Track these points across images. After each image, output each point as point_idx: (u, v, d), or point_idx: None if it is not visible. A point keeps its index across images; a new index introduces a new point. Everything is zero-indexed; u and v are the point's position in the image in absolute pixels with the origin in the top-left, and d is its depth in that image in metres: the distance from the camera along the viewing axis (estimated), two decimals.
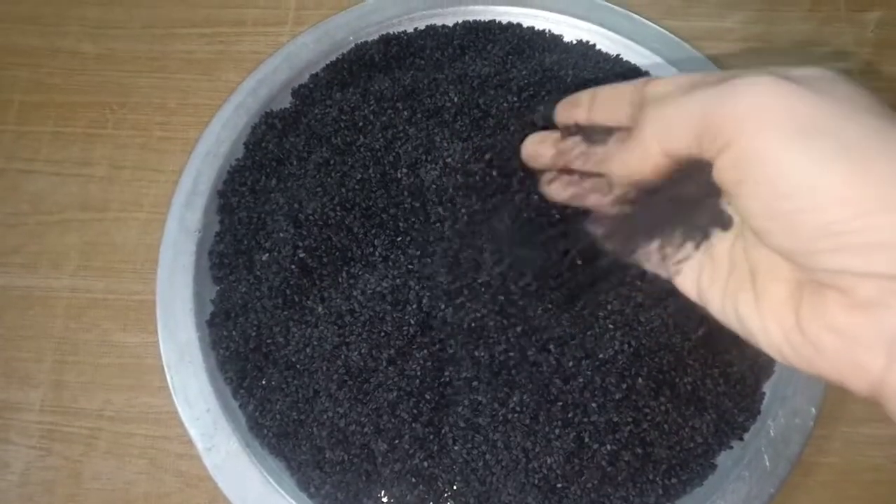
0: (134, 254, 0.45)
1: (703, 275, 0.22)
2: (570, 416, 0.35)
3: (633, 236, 0.25)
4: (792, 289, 0.20)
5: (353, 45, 0.48)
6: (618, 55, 0.47)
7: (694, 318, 0.36)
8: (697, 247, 0.23)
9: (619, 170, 0.23)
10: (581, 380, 0.36)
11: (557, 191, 0.31)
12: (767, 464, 0.36)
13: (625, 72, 0.47)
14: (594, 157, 0.27)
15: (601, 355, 0.36)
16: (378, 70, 0.47)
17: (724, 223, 0.22)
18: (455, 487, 0.36)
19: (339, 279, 0.39)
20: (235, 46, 0.51)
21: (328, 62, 0.47)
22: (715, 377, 0.37)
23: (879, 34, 0.51)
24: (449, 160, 0.41)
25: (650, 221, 0.24)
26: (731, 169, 0.19)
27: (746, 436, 0.37)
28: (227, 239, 0.42)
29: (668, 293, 0.28)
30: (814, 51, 0.50)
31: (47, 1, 0.53)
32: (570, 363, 0.36)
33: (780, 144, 0.18)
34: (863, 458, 0.39)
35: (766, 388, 0.38)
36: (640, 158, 0.22)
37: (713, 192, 0.21)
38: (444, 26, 0.49)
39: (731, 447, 0.37)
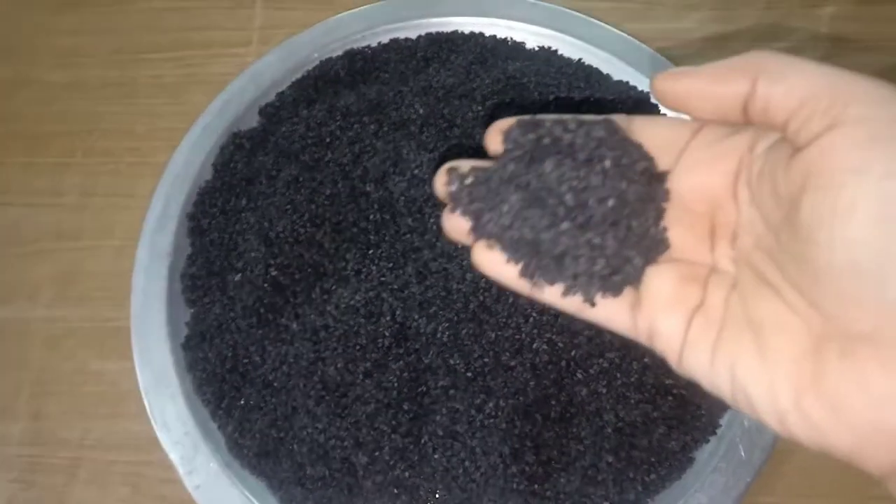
0: (108, 280, 0.45)
1: (691, 330, 0.19)
2: (547, 418, 0.36)
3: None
4: (809, 345, 0.17)
5: (317, 61, 0.48)
6: (580, 59, 0.48)
7: None
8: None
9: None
10: (557, 383, 0.36)
11: None
12: (743, 454, 0.37)
13: (587, 75, 0.47)
14: None
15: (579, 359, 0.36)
16: (343, 85, 0.47)
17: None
18: (437, 496, 0.36)
19: (313, 295, 0.39)
20: (204, 69, 0.51)
21: (294, 80, 0.48)
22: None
23: (833, 28, 0.52)
24: (416, 171, 0.41)
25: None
26: (817, 158, 0.17)
27: (721, 429, 0.38)
28: (199, 261, 0.42)
29: None
30: (772, 46, 0.51)
31: (18, 31, 0.53)
32: (547, 367, 0.36)
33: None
34: None
35: None
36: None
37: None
38: (407, 39, 0.49)
39: (708, 441, 0.38)
